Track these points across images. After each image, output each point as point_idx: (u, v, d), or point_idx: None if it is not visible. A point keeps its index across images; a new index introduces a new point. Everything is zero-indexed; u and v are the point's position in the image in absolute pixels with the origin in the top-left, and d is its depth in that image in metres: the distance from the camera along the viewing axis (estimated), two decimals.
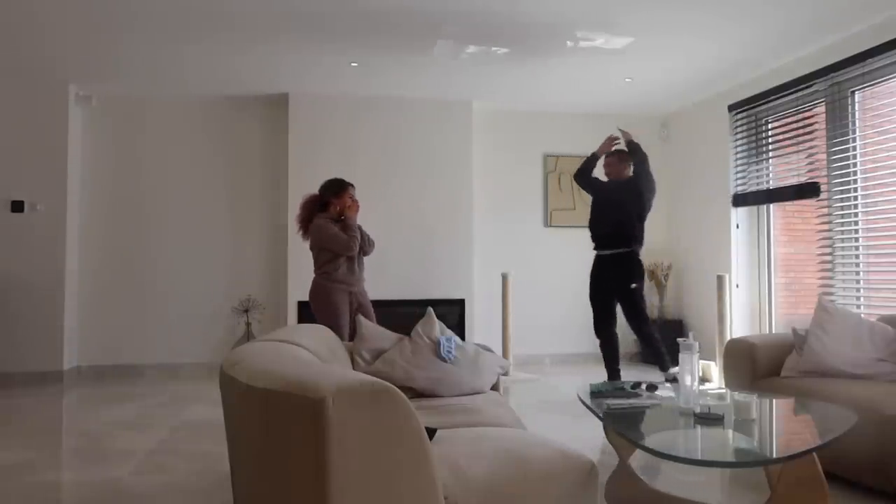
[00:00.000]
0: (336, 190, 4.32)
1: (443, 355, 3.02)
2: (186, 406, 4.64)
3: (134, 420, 4.25)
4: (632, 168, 4.93)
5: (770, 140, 5.55)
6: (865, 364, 3.26)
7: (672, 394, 2.70)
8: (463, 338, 5.52)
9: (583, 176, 5.10)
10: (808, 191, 5.03)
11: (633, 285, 4.78)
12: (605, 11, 4.23)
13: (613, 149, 5.05)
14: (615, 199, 4.91)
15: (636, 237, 4.83)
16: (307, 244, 4.37)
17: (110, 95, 6.09)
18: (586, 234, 5.09)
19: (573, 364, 6.48)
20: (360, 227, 4.35)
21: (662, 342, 4.82)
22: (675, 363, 4.60)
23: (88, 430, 4.04)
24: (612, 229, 4.88)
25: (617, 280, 4.84)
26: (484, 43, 4.81)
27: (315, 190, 4.40)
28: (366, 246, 4.39)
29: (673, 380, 4.64)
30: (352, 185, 4.39)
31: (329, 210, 4.31)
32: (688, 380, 2.42)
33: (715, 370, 5.42)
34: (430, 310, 3.29)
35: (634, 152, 4.92)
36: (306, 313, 5.96)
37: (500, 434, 2.09)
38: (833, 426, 2.21)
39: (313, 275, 4.32)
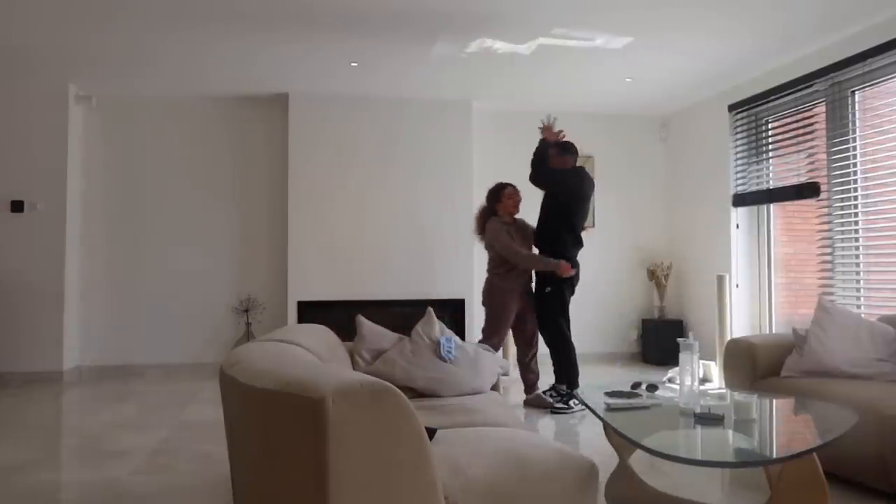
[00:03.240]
0: (497, 195, 4.73)
1: (443, 355, 3.02)
2: (186, 406, 4.64)
3: (134, 420, 4.25)
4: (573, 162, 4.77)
5: (770, 140, 5.55)
6: (865, 364, 3.26)
7: (672, 393, 2.70)
8: (463, 338, 5.51)
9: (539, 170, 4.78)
10: (808, 191, 5.03)
11: (548, 289, 4.61)
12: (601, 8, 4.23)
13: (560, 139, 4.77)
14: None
15: (548, 239, 4.65)
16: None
17: (110, 95, 6.09)
18: (586, 234, 5.08)
19: None
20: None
21: (573, 368, 4.59)
22: (570, 387, 4.54)
23: (88, 430, 4.04)
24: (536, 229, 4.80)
25: (536, 283, 4.73)
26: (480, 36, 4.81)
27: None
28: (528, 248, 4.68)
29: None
30: (509, 184, 4.74)
31: (499, 214, 4.71)
32: (688, 380, 2.42)
33: (715, 370, 5.42)
34: (430, 310, 3.30)
35: (568, 149, 4.75)
36: (306, 313, 5.98)
37: (500, 434, 2.09)
38: (833, 426, 2.21)
39: (486, 273, 4.74)
